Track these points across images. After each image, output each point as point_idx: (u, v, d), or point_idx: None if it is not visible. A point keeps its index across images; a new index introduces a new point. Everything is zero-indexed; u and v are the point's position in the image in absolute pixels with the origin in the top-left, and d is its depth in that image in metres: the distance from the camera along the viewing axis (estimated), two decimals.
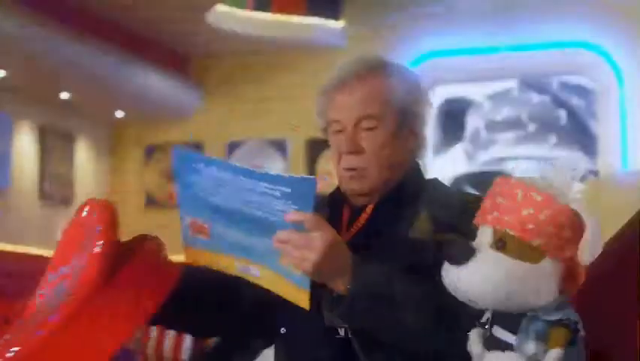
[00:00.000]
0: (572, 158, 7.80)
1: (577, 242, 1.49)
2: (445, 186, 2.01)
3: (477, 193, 1.96)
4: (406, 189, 1.91)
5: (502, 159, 7.99)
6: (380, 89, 1.90)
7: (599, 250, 1.48)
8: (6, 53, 6.41)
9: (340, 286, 1.65)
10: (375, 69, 1.91)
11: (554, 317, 1.47)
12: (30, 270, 7.57)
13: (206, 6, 7.26)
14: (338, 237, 1.65)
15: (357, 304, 1.64)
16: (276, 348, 1.82)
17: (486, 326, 1.58)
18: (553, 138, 7.90)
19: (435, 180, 2.00)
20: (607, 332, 1.47)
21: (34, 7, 6.42)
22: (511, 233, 1.49)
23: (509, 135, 8.01)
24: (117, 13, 7.33)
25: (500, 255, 1.49)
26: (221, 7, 7.42)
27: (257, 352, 1.82)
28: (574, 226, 1.49)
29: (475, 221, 1.56)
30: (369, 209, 1.90)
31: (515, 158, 7.81)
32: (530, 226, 1.48)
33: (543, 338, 1.47)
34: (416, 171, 1.97)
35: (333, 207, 1.96)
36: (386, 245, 1.82)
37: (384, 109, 1.89)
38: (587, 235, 1.48)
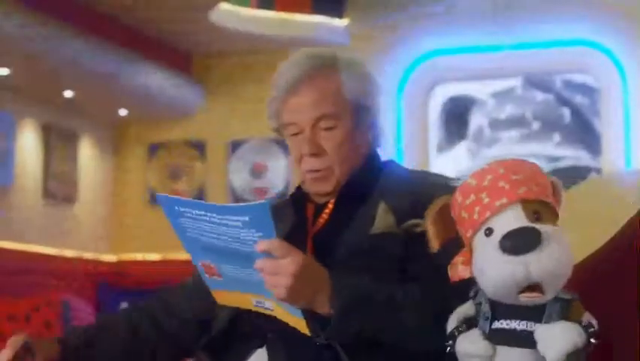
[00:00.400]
0: (576, 156, 7.80)
1: None
2: (403, 169, 1.99)
3: (438, 173, 1.97)
4: (364, 180, 1.90)
5: (506, 157, 7.97)
6: (333, 87, 1.88)
7: None
8: (9, 52, 6.41)
9: (323, 307, 1.64)
10: (326, 67, 1.90)
11: (568, 295, 1.48)
12: (33, 268, 7.60)
13: (209, 4, 7.25)
14: (309, 259, 1.63)
15: (344, 323, 1.63)
16: (268, 348, 1.81)
17: (458, 330, 1.56)
18: (556, 136, 7.89)
19: (391, 165, 1.98)
20: (607, 332, 1.46)
21: (36, 6, 6.42)
22: (546, 200, 1.50)
23: (513, 133, 8.01)
24: (120, 12, 7.34)
25: (552, 226, 1.49)
26: (224, 6, 7.42)
27: (249, 351, 1.82)
28: None
29: (494, 207, 1.53)
30: (330, 204, 1.90)
31: (519, 156, 7.80)
32: (549, 191, 1.51)
33: (562, 317, 1.47)
34: (373, 160, 1.96)
35: (296, 207, 1.95)
36: (350, 240, 1.81)
37: (340, 107, 1.88)
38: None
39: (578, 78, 7.83)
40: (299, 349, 1.74)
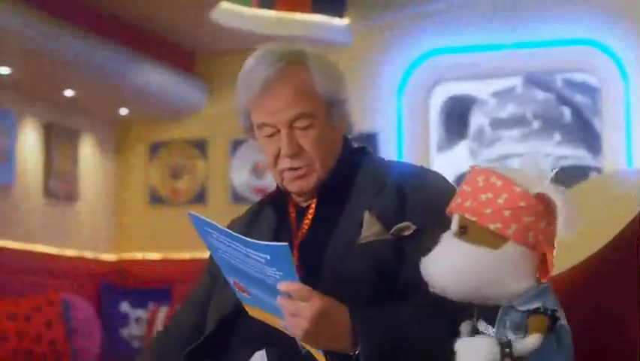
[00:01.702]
0: (578, 155, 7.80)
1: (542, 228, 1.48)
2: (377, 160, 1.95)
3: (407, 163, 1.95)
4: (343, 176, 1.88)
5: (506, 157, 7.98)
6: (306, 84, 1.84)
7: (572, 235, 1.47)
8: (10, 51, 6.41)
9: (347, 348, 1.62)
10: (296, 63, 1.86)
11: (532, 306, 1.46)
12: (34, 267, 7.60)
13: (211, 3, 7.26)
14: (329, 303, 1.61)
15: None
16: (267, 352, 1.80)
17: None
18: (557, 136, 7.89)
19: (366, 156, 1.94)
20: (607, 332, 1.47)
21: (38, 4, 6.42)
22: (471, 218, 1.49)
23: (514, 133, 8.00)
24: (122, 10, 7.33)
25: (461, 242, 1.49)
26: (225, 5, 7.43)
27: (249, 355, 1.81)
28: (535, 211, 1.47)
29: (448, 211, 1.56)
30: (312, 207, 1.88)
31: (520, 155, 7.80)
32: (488, 211, 1.48)
33: (520, 328, 1.46)
34: (349, 151, 1.93)
35: (278, 210, 1.93)
36: (339, 248, 1.79)
37: (315, 104, 1.84)
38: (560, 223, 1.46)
39: (579, 77, 7.83)
40: (299, 352, 1.73)
